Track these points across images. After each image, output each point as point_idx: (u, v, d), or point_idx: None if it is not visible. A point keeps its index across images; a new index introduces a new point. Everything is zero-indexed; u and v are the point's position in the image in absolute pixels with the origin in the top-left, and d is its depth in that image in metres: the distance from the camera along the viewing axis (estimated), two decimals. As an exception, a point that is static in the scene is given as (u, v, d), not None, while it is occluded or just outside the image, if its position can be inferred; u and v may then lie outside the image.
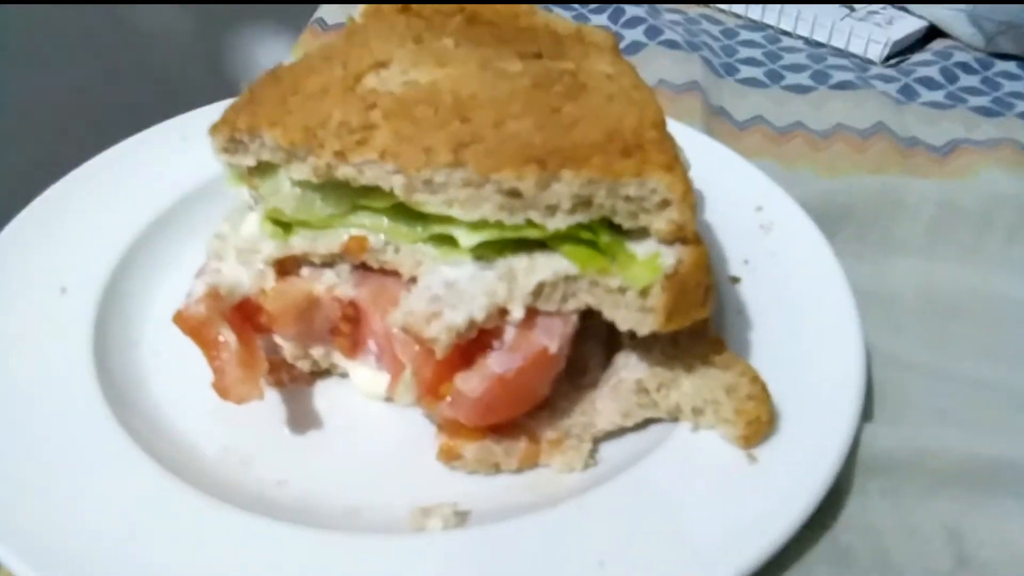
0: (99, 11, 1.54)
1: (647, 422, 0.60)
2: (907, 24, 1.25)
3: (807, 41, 1.25)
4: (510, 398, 0.54)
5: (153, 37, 1.63)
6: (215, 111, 0.90)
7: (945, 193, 0.85)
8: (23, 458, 0.55)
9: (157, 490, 0.54)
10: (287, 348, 0.61)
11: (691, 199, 0.50)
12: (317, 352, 0.62)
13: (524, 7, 0.68)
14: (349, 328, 0.60)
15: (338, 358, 0.62)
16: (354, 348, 0.61)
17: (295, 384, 0.63)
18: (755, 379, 0.56)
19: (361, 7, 0.67)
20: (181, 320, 0.56)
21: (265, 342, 0.61)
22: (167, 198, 0.78)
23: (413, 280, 0.56)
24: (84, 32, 1.50)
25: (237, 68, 1.75)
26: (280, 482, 0.57)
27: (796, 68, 1.18)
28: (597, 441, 0.59)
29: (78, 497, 0.53)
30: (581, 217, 0.52)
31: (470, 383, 0.52)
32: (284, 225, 0.59)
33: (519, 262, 0.54)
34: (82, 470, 0.55)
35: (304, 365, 0.62)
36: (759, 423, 0.55)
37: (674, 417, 0.59)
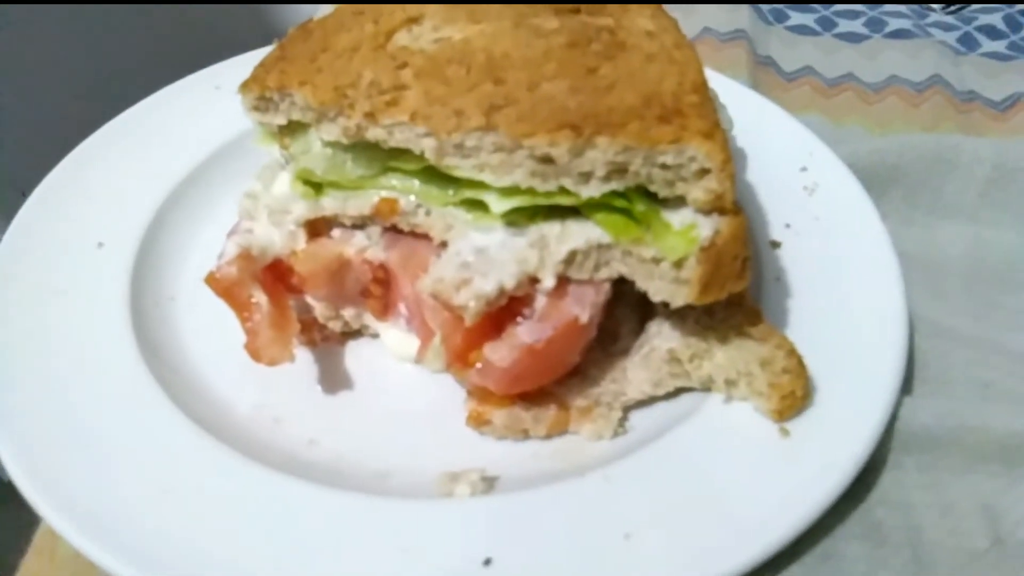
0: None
1: (678, 391, 0.59)
2: (970, -33, 1.18)
3: (864, -17, 1.19)
4: (539, 367, 0.53)
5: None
6: (249, 61, 0.89)
7: (1002, 153, 0.81)
8: (59, 412, 0.56)
9: (190, 447, 0.55)
10: (318, 308, 0.61)
11: (731, 168, 0.48)
12: (348, 313, 0.62)
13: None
14: (380, 291, 0.59)
15: (369, 319, 0.62)
16: (385, 310, 0.61)
17: (326, 344, 0.63)
18: (791, 352, 0.54)
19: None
20: (213, 282, 0.56)
21: (297, 302, 0.61)
22: (201, 151, 0.78)
23: (444, 245, 0.56)
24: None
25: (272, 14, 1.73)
26: (311, 441, 0.58)
27: (850, 14, 1.13)
28: (627, 409, 0.58)
29: (112, 452, 0.54)
30: (616, 185, 0.50)
31: (499, 353, 0.52)
32: (315, 185, 0.58)
33: (551, 229, 0.53)
34: (117, 425, 0.56)
35: (335, 326, 0.62)
36: (794, 398, 0.54)
37: (706, 388, 0.58)
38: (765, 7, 1.12)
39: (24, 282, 0.64)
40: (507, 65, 0.52)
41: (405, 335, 0.61)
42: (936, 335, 0.67)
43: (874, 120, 0.95)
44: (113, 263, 0.66)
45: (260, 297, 0.56)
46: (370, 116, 0.52)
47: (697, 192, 0.49)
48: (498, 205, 0.52)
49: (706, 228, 0.50)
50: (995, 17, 1.11)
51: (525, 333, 0.52)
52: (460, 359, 0.54)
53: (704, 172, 0.49)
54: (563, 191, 0.51)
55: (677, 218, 0.51)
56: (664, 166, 0.49)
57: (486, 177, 0.51)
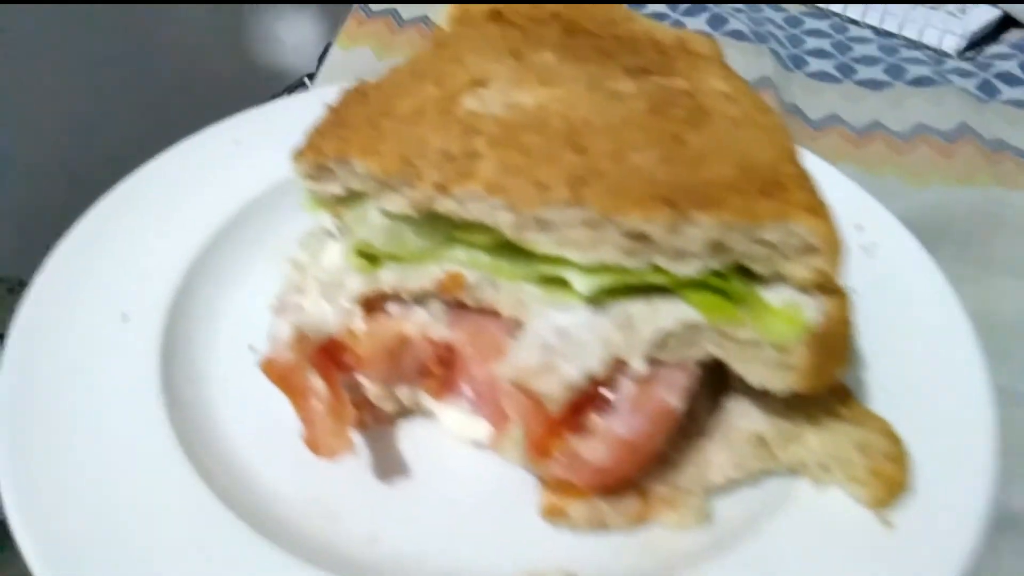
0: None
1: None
2: (981, 14, 1.18)
3: (876, 31, 1.19)
4: (633, 460, 0.49)
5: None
6: (266, 113, 0.86)
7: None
8: (92, 505, 0.51)
9: (239, 548, 0.50)
10: (371, 389, 0.57)
11: (840, 246, 0.45)
12: (402, 392, 0.57)
13: (620, 11, 0.62)
14: (441, 370, 0.55)
15: (425, 398, 0.58)
16: (445, 390, 0.56)
17: (377, 426, 0.59)
18: (892, 437, 0.51)
19: (446, 10, 0.62)
20: (271, 369, 0.51)
21: (345, 380, 0.56)
22: (224, 210, 0.73)
23: (516, 323, 0.52)
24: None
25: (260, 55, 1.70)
26: (371, 539, 0.53)
27: (868, 61, 1.12)
28: (709, 494, 0.54)
29: (148, 554, 0.49)
30: (713, 262, 0.47)
31: (594, 449, 0.48)
32: (370, 257, 0.54)
33: (636, 307, 0.49)
34: (153, 524, 0.51)
35: (388, 406, 0.58)
36: (897, 486, 0.50)
37: (793, 471, 0.54)
38: (783, 52, 1.11)
39: (44, 361, 0.59)
40: (588, 133, 0.49)
41: (466, 416, 0.57)
42: (1011, 402, 0.64)
43: (908, 171, 0.93)
44: (141, 337, 0.61)
45: (317, 382, 0.51)
46: (441, 187, 0.48)
47: (801, 270, 0.46)
48: (582, 284, 0.48)
49: (812, 309, 0.46)
50: (1012, 64, 1.11)
51: (619, 426, 0.48)
52: (541, 449, 0.50)
53: (810, 249, 0.46)
54: (655, 269, 0.47)
55: (774, 296, 0.48)
56: (767, 243, 0.46)
57: (569, 253, 0.48)
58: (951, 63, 1.12)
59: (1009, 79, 1.08)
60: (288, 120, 0.82)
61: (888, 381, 0.58)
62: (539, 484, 0.54)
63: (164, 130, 0.82)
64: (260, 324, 0.65)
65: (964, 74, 1.09)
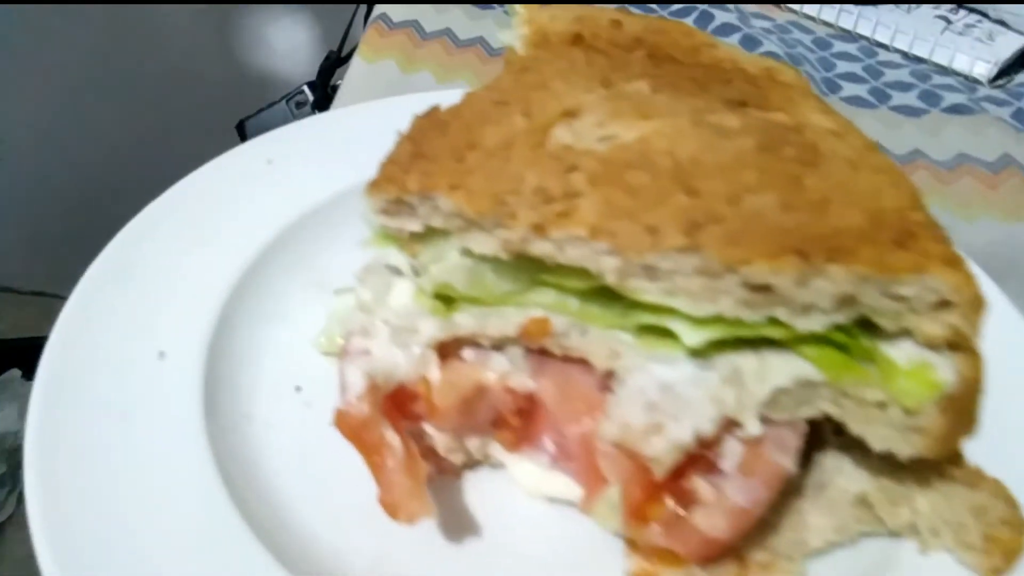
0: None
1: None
2: (1011, 40, 1.17)
3: (905, 55, 1.17)
4: (744, 528, 0.46)
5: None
6: (298, 132, 0.81)
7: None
8: (132, 565, 0.46)
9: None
10: (439, 440, 0.52)
11: (981, 302, 0.42)
12: (472, 444, 0.53)
13: (703, 37, 0.58)
14: (519, 422, 0.51)
15: (496, 450, 0.54)
16: (520, 443, 0.52)
17: (442, 478, 0.54)
18: (1009, 500, 0.48)
19: (520, 35, 0.58)
20: (344, 423, 0.47)
21: (410, 429, 0.52)
22: (258, 236, 0.68)
23: (608, 375, 0.48)
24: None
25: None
26: (443, 605, 0.48)
27: (901, 86, 1.10)
28: (806, 559, 0.51)
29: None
30: (838, 317, 0.43)
31: (709, 518, 0.44)
32: (446, 299, 0.50)
33: (746, 362, 0.45)
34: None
35: (456, 458, 0.53)
36: (1014, 553, 0.47)
37: (897, 535, 0.51)
38: (816, 76, 1.09)
39: (76, 403, 0.53)
40: (698, 173, 0.45)
41: (544, 471, 0.52)
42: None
43: (954, 202, 0.91)
44: (180, 376, 0.56)
45: (393, 438, 0.47)
46: (539, 228, 0.44)
47: (933, 327, 0.43)
48: (691, 336, 0.44)
49: (945, 370, 0.43)
50: (1044, 92, 1.10)
51: (734, 492, 0.44)
52: (641, 515, 0.46)
53: (945, 304, 0.42)
54: (773, 322, 0.43)
55: (898, 353, 0.44)
56: (899, 297, 0.42)
57: (678, 303, 0.44)
58: (983, 91, 1.11)
59: (1041, 108, 1.07)
60: (321, 139, 0.79)
61: (998, 439, 0.55)
62: (627, 548, 0.50)
63: (157, 133, 0.77)
64: (304, 362, 0.62)
65: (998, 102, 1.07)
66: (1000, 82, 1.13)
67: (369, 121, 0.73)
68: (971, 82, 1.12)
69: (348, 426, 0.47)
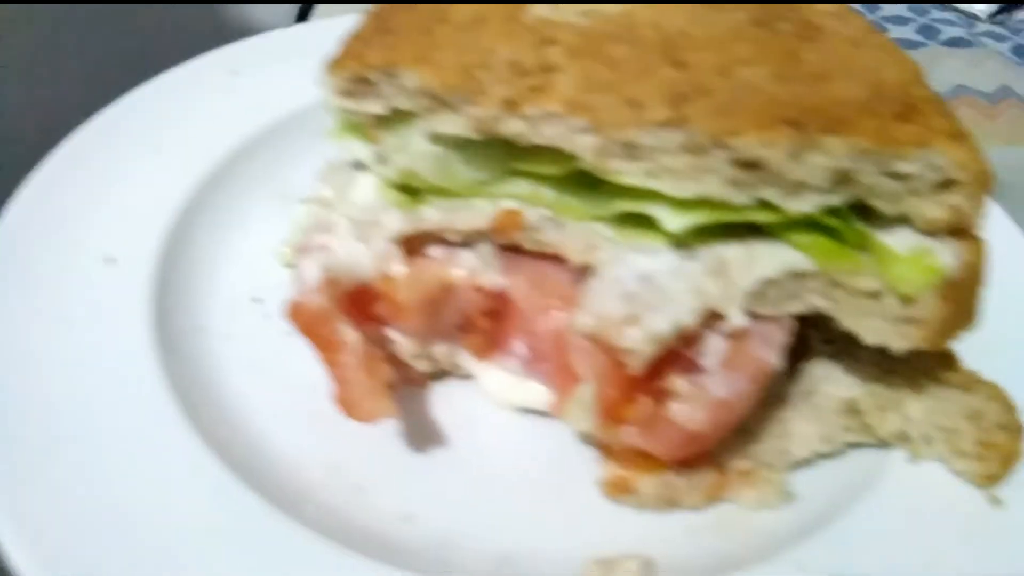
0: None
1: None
2: (1010, -22, 1.13)
3: (902, -12, 1.13)
4: (724, 425, 0.43)
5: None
6: (266, 43, 0.77)
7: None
8: (83, 472, 0.43)
9: (253, 520, 0.42)
10: (404, 344, 0.49)
11: (989, 179, 0.38)
12: (440, 350, 0.50)
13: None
14: (488, 324, 0.48)
15: (464, 358, 0.50)
16: (490, 348, 0.49)
17: (407, 387, 0.51)
18: (1006, 404, 0.45)
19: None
20: (298, 315, 0.43)
21: (372, 335, 0.49)
22: (219, 147, 0.64)
23: (585, 270, 0.44)
24: None
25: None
26: (406, 517, 0.45)
27: (899, 20, 1.07)
28: (790, 470, 0.48)
29: (152, 526, 0.41)
30: (831, 198, 0.40)
31: (690, 413, 0.41)
32: (412, 191, 0.46)
33: (732, 252, 0.42)
34: (157, 494, 0.43)
35: (422, 366, 0.50)
36: (1011, 459, 0.44)
37: (886, 444, 0.48)
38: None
39: (16, 309, 0.50)
40: (687, 45, 0.41)
41: (515, 378, 0.49)
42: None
43: (952, 132, 0.88)
44: (129, 283, 0.53)
45: (349, 334, 0.43)
46: (511, 104, 0.41)
47: (934, 210, 0.40)
48: (673, 221, 0.41)
49: (946, 255, 0.40)
50: (1042, 27, 1.06)
51: (715, 385, 0.41)
52: (616, 414, 0.42)
53: (947, 184, 0.39)
54: (762, 205, 0.40)
55: (895, 240, 0.41)
56: (900, 175, 0.39)
57: (661, 185, 0.40)
58: (982, 26, 1.08)
59: (1040, 42, 1.04)
60: (290, 51, 0.74)
61: (994, 342, 0.51)
62: (601, 456, 0.47)
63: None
64: (264, 274, 0.58)
65: (997, 37, 1.05)
66: (999, 18, 1.10)
67: (340, 34, 0.69)
68: (970, 17, 1.09)
69: (302, 318, 0.43)
